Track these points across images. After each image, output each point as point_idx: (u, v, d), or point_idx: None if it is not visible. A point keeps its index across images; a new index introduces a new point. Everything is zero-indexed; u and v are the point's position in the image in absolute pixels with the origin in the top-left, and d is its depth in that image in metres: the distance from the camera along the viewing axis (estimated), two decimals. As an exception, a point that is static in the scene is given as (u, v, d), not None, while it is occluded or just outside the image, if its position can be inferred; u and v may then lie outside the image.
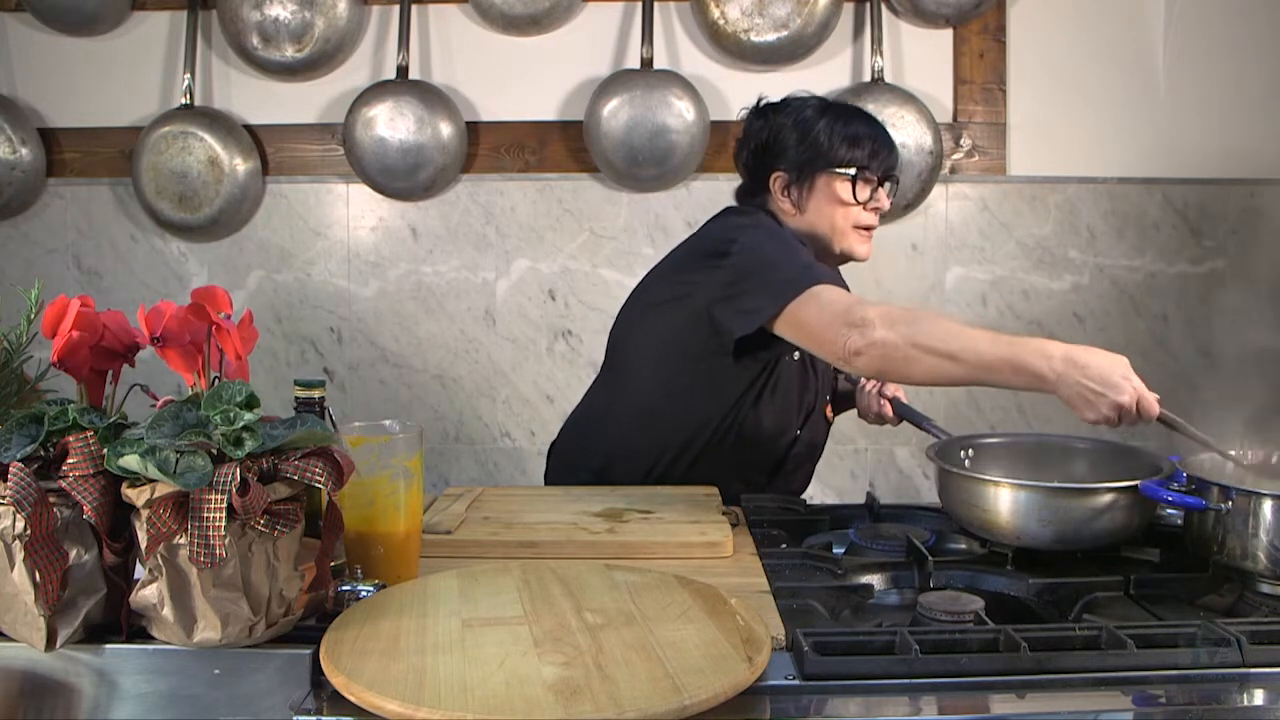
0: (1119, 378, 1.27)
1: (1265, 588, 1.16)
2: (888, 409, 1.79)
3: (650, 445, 1.71)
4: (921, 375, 1.40)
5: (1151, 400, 1.28)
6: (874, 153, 1.69)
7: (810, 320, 1.47)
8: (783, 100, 1.76)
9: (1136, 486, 1.21)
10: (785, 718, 0.90)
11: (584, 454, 1.80)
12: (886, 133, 1.73)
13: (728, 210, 1.78)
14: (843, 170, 1.68)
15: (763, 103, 1.77)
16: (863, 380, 1.84)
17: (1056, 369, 1.29)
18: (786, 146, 1.70)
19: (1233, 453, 1.31)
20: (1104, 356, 1.29)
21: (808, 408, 1.76)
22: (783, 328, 1.51)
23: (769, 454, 1.74)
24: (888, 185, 1.72)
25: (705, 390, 1.67)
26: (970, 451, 1.46)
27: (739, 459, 1.71)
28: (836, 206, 1.69)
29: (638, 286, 1.78)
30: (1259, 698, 0.94)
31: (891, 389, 1.80)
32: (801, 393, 1.74)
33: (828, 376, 1.82)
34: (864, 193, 1.68)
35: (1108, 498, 1.22)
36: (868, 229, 1.72)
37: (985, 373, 1.35)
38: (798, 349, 1.68)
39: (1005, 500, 1.25)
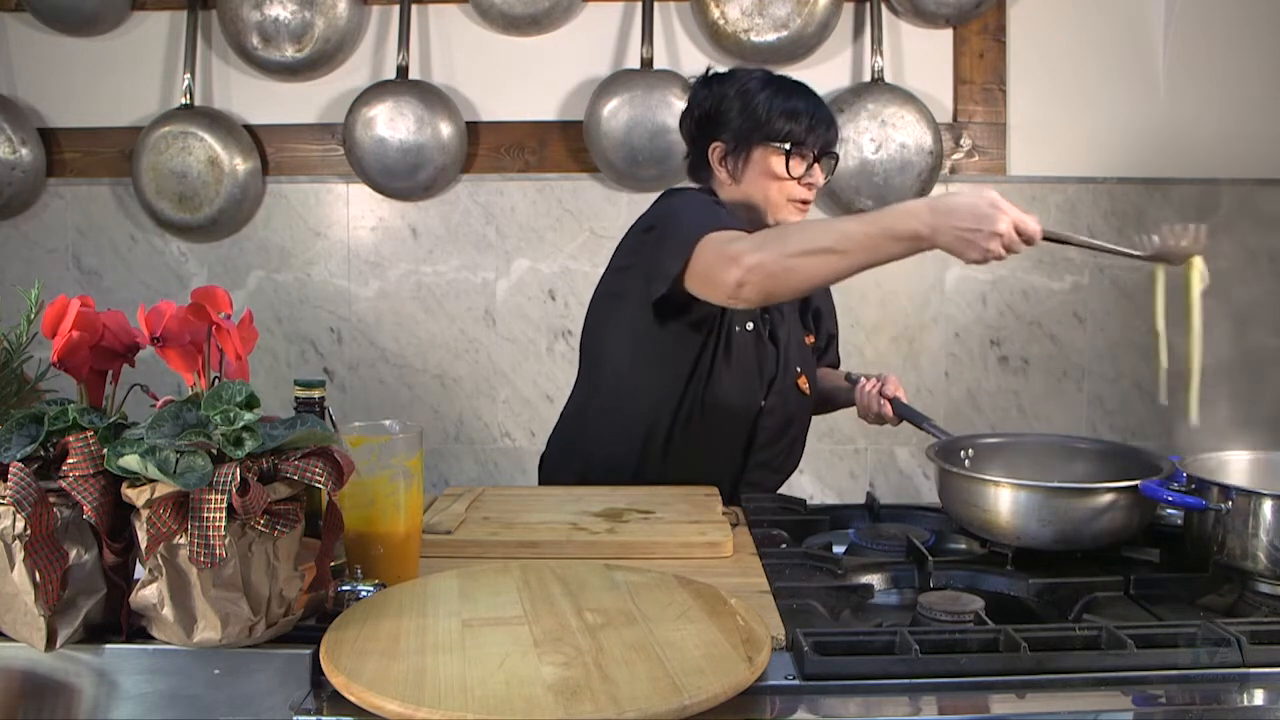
0: (987, 207, 1.28)
1: (1265, 588, 1.16)
2: (887, 409, 1.79)
3: (620, 436, 1.73)
4: (806, 280, 1.42)
5: (1029, 220, 1.28)
6: (810, 128, 1.68)
7: (702, 267, 1.49)
8: (729, 71, 1.78)
9: (1136, 486, 1.21)
10: (785, 718, 0.90)
11: (567, 460, 1.84)
12: (827, 109, 1.73)
13: (667, 191, 1.81)
14: (778, 144, 1.68)
15: (710, 72, 1.78)
16: (862, 380, 1.84)
17: (928, 221, 1.31)
18: (728, 117, 1.71)
19: (1135, 252, 1.35)
20: (968, 194, 1.30)
21: (769, 377, 1.75)
22: (690, 283, 1.52)
23: (738, 427, 1.74)
24: (825, 161, 1.72)
25: (657, 369, 1.69)
26: (970, 451, 1.46)
27: (709, 435, 1.71)
28: (771, 180, 1.70)
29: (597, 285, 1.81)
30: (1259, 698, 0.94)
31: (891, 389, 1.80)
32: (760, 362, 1.74)
33: (796, 348, 1.81)
34: (798, 167, 1.69)
35: (1108, 498, 1.22)
36: (803, 203, 1.72)
37: (865, 253, 1.36)
38: (749, 319, 1.71)
39: (1005, 500, 1.25)
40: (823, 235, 1.40)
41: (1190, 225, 1.36)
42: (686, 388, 1.69)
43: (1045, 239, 1.30)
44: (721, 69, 1.80)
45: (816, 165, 1.71)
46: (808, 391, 1.82)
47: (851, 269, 1.40)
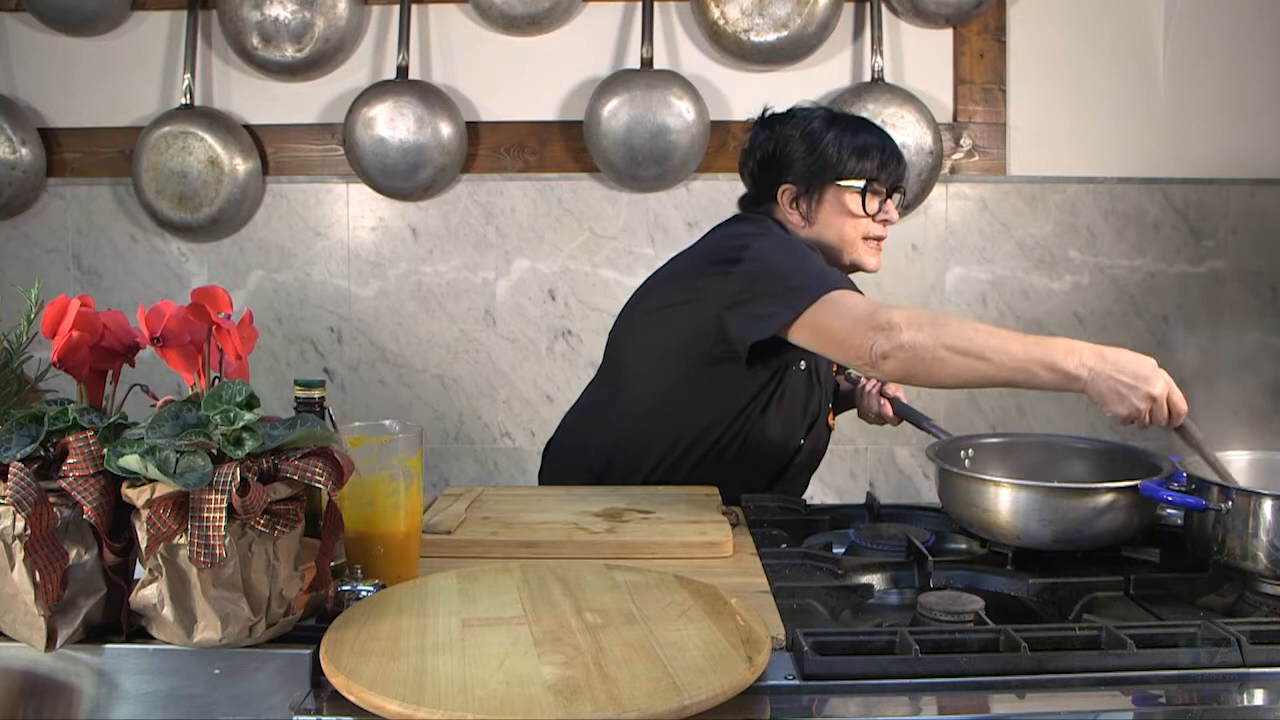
0: (1150, 369, 1.27)
1: (1265, 588, 1.16)
2: (888, 409, 1.79)
3: (653, 447, 1.71)
4: (950, 376, 1.38)
5: (1181, 396, 1.27)
6: (883, 164, 1.69)
7: (831, 325, 1.45)
8: (788, 111, 1.76)
9: (1136, 487, 1.21)
10: (785, 718, 0.90)
11: (584, 452, 1.80)
12: (894, 144, 1.73)
13: (736, 218, 1.78)
14: (852, 183, 1.67)
15: (768, 113, 1.77)
16: (862, 380, 1.84)
17: (1088, 364, 1.28)
18: (794, 158, 1.69)
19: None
20: (1132, 354, 1.29)
21: (812, 416, 1.76)
22: (799, 333, 1.48)
23: (773, 462, 1.75)
24: (896, 197, 1.72)
25: (711, 396, 1.66)
26: (970, 451, 1.46)
27: (742, 465, 1.71)
28: (846, 218, 1.69)
29: (639, 290, 1.78)
30: (1259, 698, 0.94)
31: (892, 389, 1.80)
32: (807, 402, 1.74)
33: (830, 386, 1.82)
34: (873, 205, 1.69)
35: (1108, 498, 1.22)
36: (878, 240, 1.72)
37: (1016, 373, 1.33)
38: (804, 358, 1.68)
39: (1005, 500, 1.25)
40: (980, 339, 1.35)
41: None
42: (735, 420, 1.68)
43: (1180, 429, 1.30)
44: (779, 109, 1.78)
45: (890, 201, 1.70)
46: (833, 426, 1.83)
47: (993, 381, 1.37)
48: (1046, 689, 0.93)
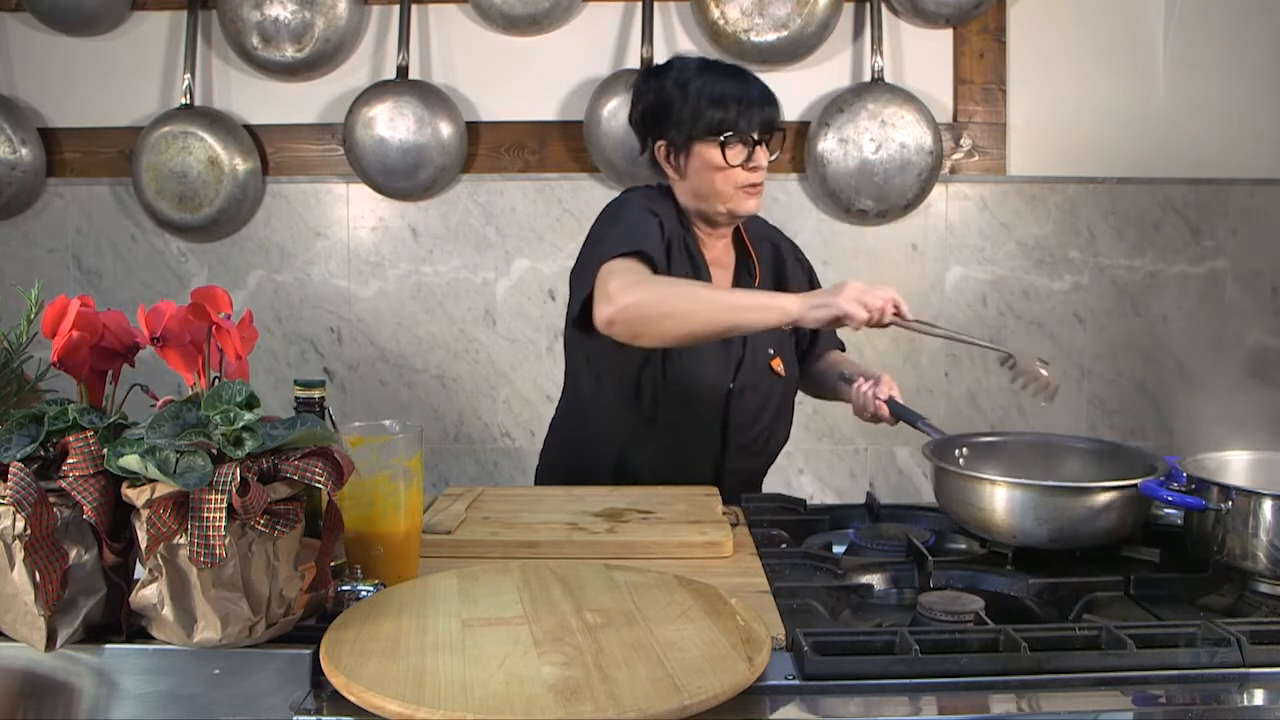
0: (839, 288, 1.48)
1: (1265, 588, 1.16)
2: (883, 409, 1.79)
3: (600, 433, 1.75)
4: (674, 327, 1.50)
5: (878, 294, 1.49)
6: (741, 112, 1.64)
7: (594, 296, 1.55)
8: (668, 62, 1.75)
9: (1133, 486, 1.21)
10: (785, 718, 0.90)
11: (559, 457, 1.86)
12: (758, 87, 1.67)
13: (626, 190, 1.81)
14: (711, 136, 1.65)
15: (652, 65, 1.77)
16: (859, 380, 1.84)
17: (795, 300, 1.49)
18: (669, 111, 1.68)
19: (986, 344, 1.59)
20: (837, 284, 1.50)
21: (736, 358, 1.75)
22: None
23: (709, 409, 1.74)
24: (770, 140, 1.67)
25: (608, 363, 1.71)
26: (965, 450, 1.46)
27: (681, 421, 1.71)
28: (714, 171, 1.66)
29: None
30: (1259, 698, 0.94)
31: (885, 389, 1.80)
32: (724, 345, 1.73)
33: (766, 332, 1.78)
34: (736, 155, 1.65)
35: (1104, 497, 1.22)
36: (753, 186, 1.69)
37: (728, 312, 1.51)
38: None
39: (1001, 499, 1.25)
40: (691, 290, 1.55)
41: (1050, 375, 1.56)
42: (640, 376, 1.69)
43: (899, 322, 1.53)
44: (661, 61, 1.77)
45: (759, 147, 1.66)
46: (783, 373, 1.80)
47: (712, 328, 1.52)
48: (1046, 689, 0.93)
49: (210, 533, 0.88)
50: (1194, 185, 2.81)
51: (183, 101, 2.76)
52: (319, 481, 0.93)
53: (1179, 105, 2.78)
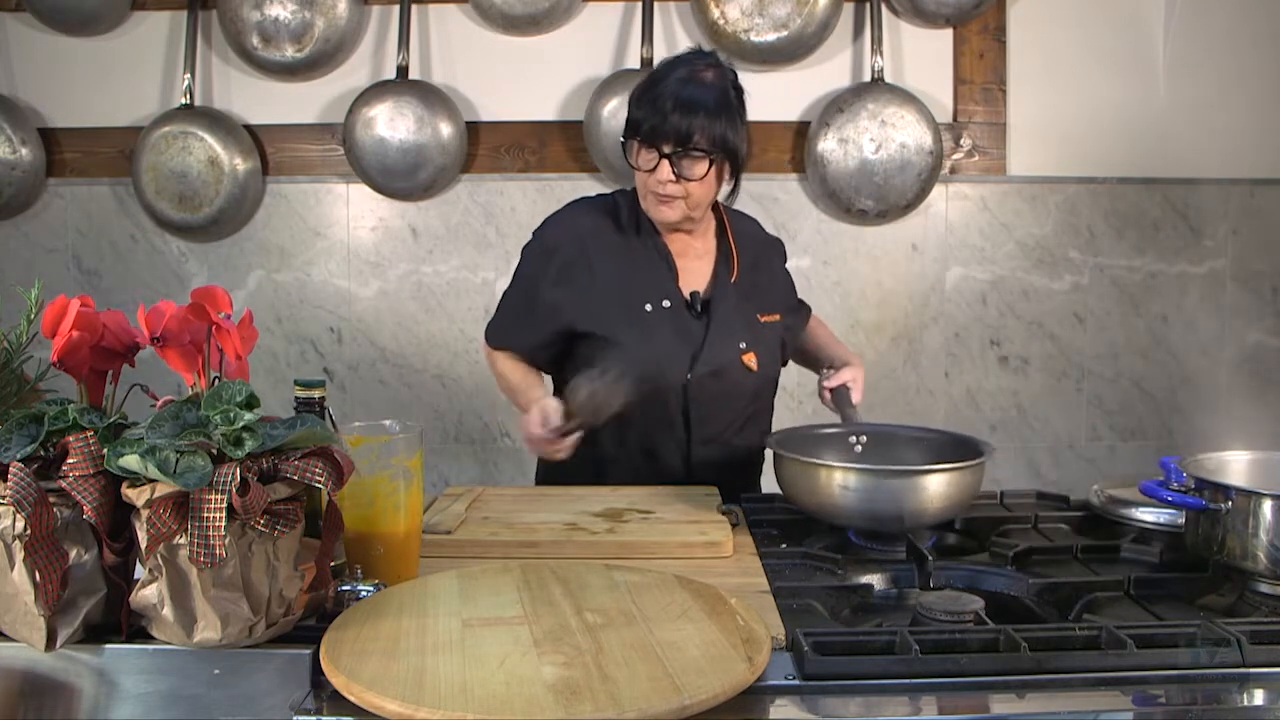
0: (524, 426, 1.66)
1: (1265, 588, 1.16)
2: (827, 396, 1.81)
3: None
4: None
5: (530, 419, 1.63)
6: (647, 116, 1.63)
7: None
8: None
9: (948, 468, 1.32)
10: (785, 718, 0.90)
11: (555, 469, 1.85)
12: (677, 103, 1.61)
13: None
14: (629, 134, 1.67)
15: (653, 65, 1.79)
16: (825, 369, 1.85)
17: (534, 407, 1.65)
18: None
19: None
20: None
21: (694, 348, 1.73)
22: None
23: (670, 399, 1.73)
24: (685, 158, 1.62)
25: (583, 355, 1.74)
26: (863, 438, 1.57)
27: (646, 411, 1.69)
28: (635, 172, 1.69)
29: None
30: (1259, 698, 0.94)
31: (839, 379, 1.80)
32: (682, 337, 1.73)
33: (738, 326, 1.77)
34: (641, 159, 1.66)
35: (926, 479, 1.31)
36: (660, 197, 1.67)
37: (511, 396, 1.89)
38: (666, 297, 1.73)
39: (835, 482, 1.34)
40: (510, 381, 1.89)
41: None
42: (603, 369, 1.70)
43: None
44: (661, 61, 1.78)
45: (665, 162, 1.63)
46: (755, 369, 1.78)
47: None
48: (1046, 689, 0.93)
49: (210, 533, 0.88)
50: (1194, 185, 2.81)
51: (183, 101, 2.76)
52: (319, 481, 0.93)
53: (1179, 105, 2.78)
